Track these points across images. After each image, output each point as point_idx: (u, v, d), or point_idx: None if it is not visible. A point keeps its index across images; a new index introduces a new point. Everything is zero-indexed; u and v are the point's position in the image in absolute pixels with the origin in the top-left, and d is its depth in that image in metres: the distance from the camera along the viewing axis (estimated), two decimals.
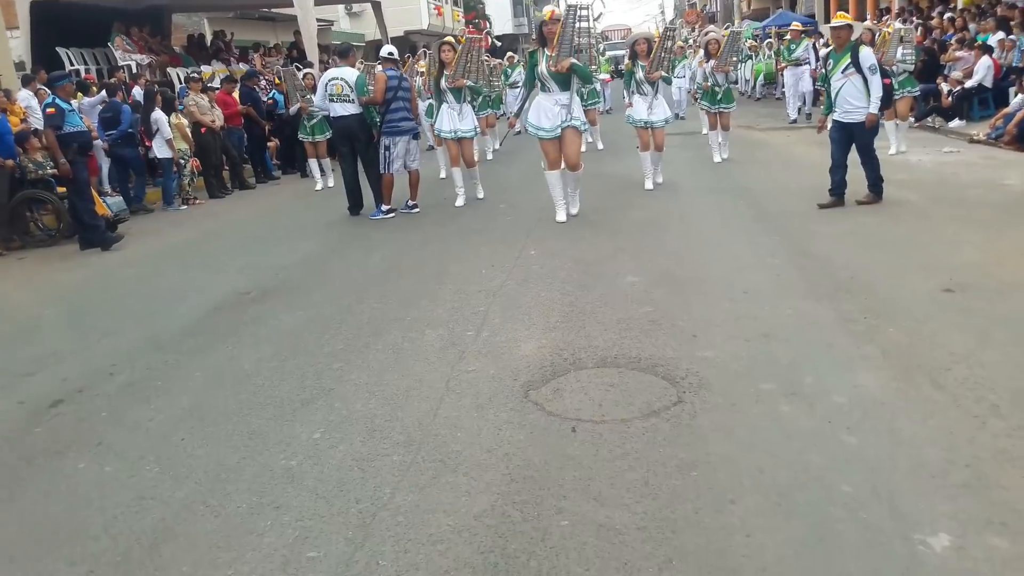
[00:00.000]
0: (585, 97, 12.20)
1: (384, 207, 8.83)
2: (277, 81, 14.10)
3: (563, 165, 7.47)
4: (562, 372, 4.07)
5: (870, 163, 7.40)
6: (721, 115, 10.97)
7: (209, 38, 19.93)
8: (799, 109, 16.04)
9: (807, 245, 6.23)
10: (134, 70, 14.82)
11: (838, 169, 7.45)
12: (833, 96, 7.42)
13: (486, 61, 14.74)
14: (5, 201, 9.14)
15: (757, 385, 3.73)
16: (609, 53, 26.00)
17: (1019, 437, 3.06)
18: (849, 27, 7.50)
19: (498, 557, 2.60)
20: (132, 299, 6.42)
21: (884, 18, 19.98)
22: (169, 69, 15.93)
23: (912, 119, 12.45)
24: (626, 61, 9.88)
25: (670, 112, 9.61)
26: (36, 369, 4.86)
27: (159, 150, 11.26)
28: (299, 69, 13.12)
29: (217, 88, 13.20)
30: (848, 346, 4.13)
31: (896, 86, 10.18)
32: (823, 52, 15.84)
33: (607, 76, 21.61)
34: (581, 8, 7.07)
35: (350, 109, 8.97)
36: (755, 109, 19.55)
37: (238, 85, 13.54)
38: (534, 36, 7.91)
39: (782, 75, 19.70)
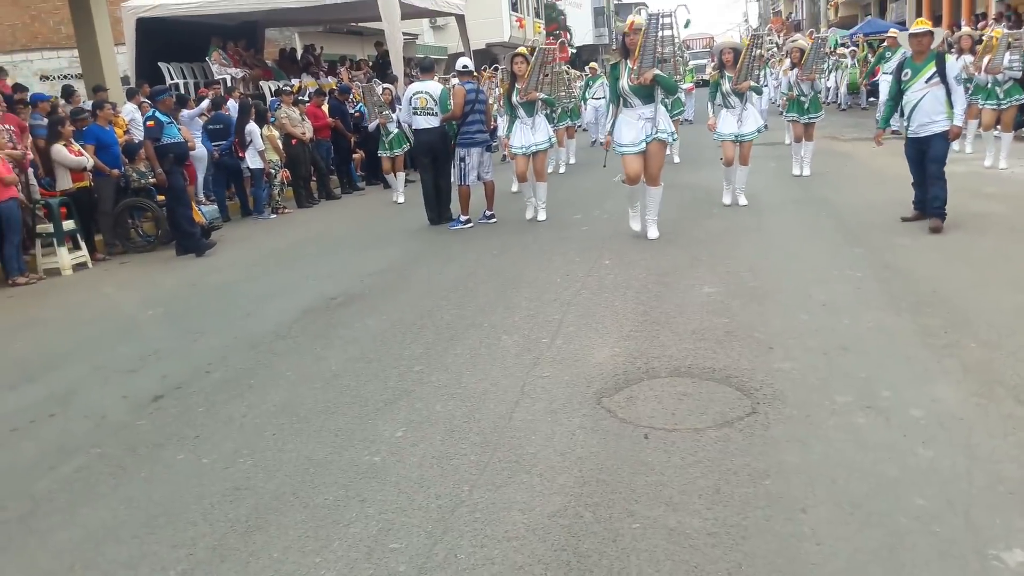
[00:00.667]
0: (669, 106, 11.94)
1: (463, 217, 9.04)
2: (358, 96, 14.40)
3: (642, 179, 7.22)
4: (635, 380, 4.14)
5: (942, 180, 6.91)
6: (807, 126, 10.63)
7: (300, 52, 20.67)
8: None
9: (889, 258, 6.14)
10: (229, 83, 15.51)
11: (919, 187, 7.21)
12: (908, 109, 6.99)
13: (565, 72, 14.86)
14: (109, 209, 9.71)
15: (833, 397, 3.73)
16: (692, 62, 25.64)
17: None
18: (931, 34, 7.05)
19: (570, 555, 2.70)
20: (226, 302, 6.76)
21: (981, 24, 19.28)
22: (261, 82, 16.60)
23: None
24: (711, 72, 9.73)
25: (761, 122, 9.21)
26: (139, 366, 5.20)
27: (252, 160, 11.77)
28: (378, 84, 13.38)
29: (307, 101, 13.68)
30: (928, 360, 4.09)
31: (1003, 95, 10.07)
32: (893, 60, 15.37)
33: (690, 85, 21.45)
34: (664, 16, 6.83)
35: (433, 123, 9.24)
36: (840, 119, 19.14)
37: (327, 98, 14.03)
38: (615, 47, 8.14)
39: (866, 85, 19.14)
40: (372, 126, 12.20)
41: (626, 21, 7.52)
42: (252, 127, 11.67)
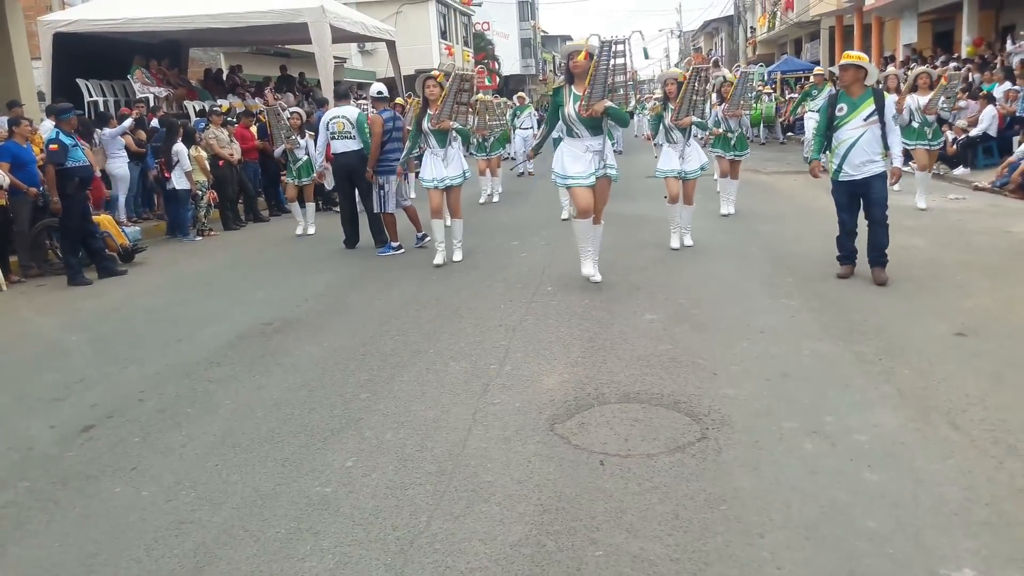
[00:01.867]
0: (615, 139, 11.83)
1: (393, 244, 9.00)
2: (262, 119, 13.58)
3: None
4: (586, 406, 4.16)
5: (884, 226, 6.34)
6: (733, 163, 10.26)
7: (225, 72, 20.29)
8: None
9: (820, 288, 6.35)
10: (152, 103, 15.09)
11: (850, 236, 6.58)
12: (843, 149, 6.31)
13: (492, 101, 14.83)
14: (26, 229, 9.28)
15: (779, 423, 3.82)
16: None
17: None
18: (862, 68, 6.37)
19: None
20: (155, 327, 6.52)
21: (895, 64, 20.21)
22: (186, 102, 16.21)
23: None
24: (652, 104, 9.08)
25: (705, 159, 8.48)
26: (65, 395, 4.95)
27: (177, 181, 11.44)
28: (283, 108, 12.35)
29: (235, 122, 13.41)
30: (865, 386, 4.23)
31: (931, 136, 10.25)
32: (820, 98, 15.67)
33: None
34: (616, 44, 6.30)
35: (351, 146, 9.29)
36: (760, 153, 19.80)
37: (255, 120, 13.79)
38: (558, 72, 7.71)
39: (787, 121, 19.69)
40: (278, 152, 11.63)
41: (569, 45, 6.93)
42: (179, 147, 11.36)
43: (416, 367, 4.94)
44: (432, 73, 8.42)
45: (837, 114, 6.41)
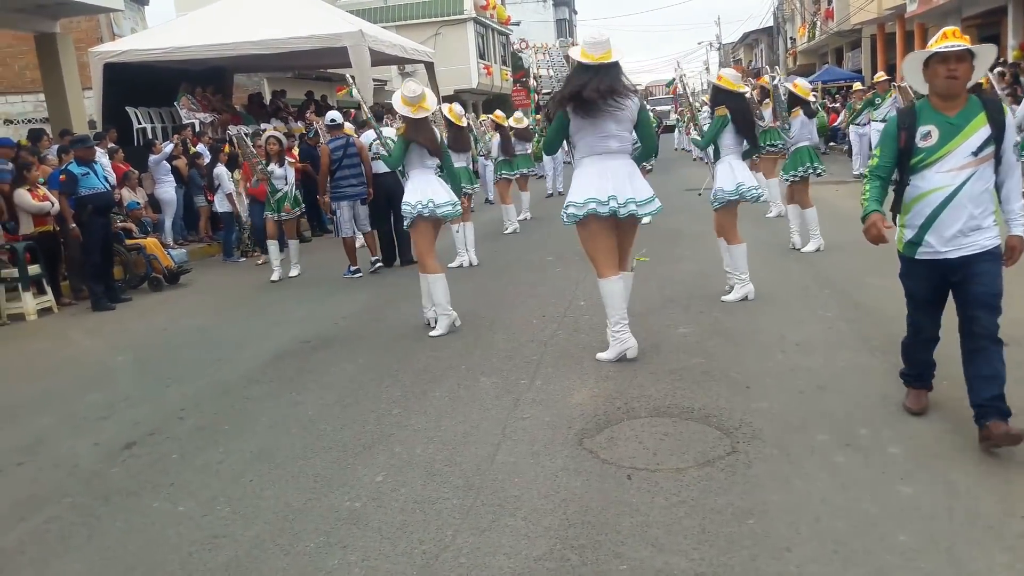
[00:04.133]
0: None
1: (352, 267, 9.21)
2: (227, 148, 12.50)
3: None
4: (616, 421, 4.15)
5: (996, 342, 3.61)
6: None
7: (268, 97, 20.74)
8: None
9: (859, 298, 6.26)
10: (197, 128, 15.50)
11: (927, 346, 4.02)
12: (930, 209, 3.64)
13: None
14: (77, 253, 9.57)
15: (811, 436, 3.77)
16: (656, 108, 25.99)
17: None
18: (970, 55, 3.58)
19: None
20: (197, 347, 6.67)
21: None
22: (230, 127, 16.60)
23: None
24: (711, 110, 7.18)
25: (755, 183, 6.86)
26: (109, 413, 5.10)
27: (220, 204, 11.74)
28: (259, 134, 10.71)
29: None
30: (902, 398, 4.15)
31: None
32: (885, 106, 14.01)
33: None
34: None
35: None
36: None
37: (297, 142, 14.06)
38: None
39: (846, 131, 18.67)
40: (255, 183, 10.25)
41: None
42: (220, 170, 11.65)
43: (448, 383, 4.98)
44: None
45: (920, 145, 3.62)
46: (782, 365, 4.81)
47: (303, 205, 10.19)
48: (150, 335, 7.37)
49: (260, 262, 10.79)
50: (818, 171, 8.51)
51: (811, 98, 9.09)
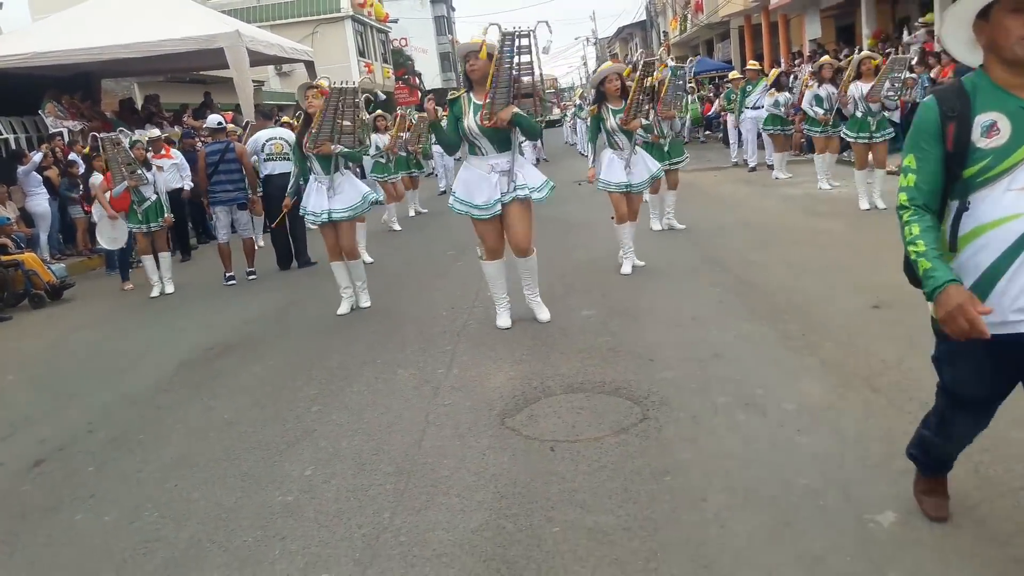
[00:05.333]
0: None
1: (227, 274, 9.16)
2: (84, 151, 11.64)
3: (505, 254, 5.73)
4: (534, 400, 4.34)
5: None
6: (669, 173, 8.75)
7: (140, 102, 19.94)
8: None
9: (745, 274, 6.68)
10: (67, 137, 14.79)
11: (960, 443, 2.72)
12: (999, 251, 2.29)
13: (424, 116, 14.15)
14: None
15: (714, 399, 4.07)
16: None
17: None
18: None
19: (499, 564, 2.83)
20: (95, 360, 6.46)
21: (837, 52, 20.21)
22: (101, 134, 15.89)
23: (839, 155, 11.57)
24: (590, 106, 7.49)
25: (656, 167, 7.27)
26: (10, 432, 4.91)
27: (98, 215, 11.26)
28: (125, 135, 9.63)
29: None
30: (791, 360, 4.52)
31: (875, 127, 9.04)
32: (758, 89, 14.63)
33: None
34: (521, 35, 5.16)
35: (289, 167, 9.15)
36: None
37: (175, 147, 13.62)
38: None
39: (723, 120, 19.21)
40: (118, 191, 8.99)
41: (465, 44, 5.61)
42: (96, 179, 11.19)
43: (364, 377, 5.05)
44: (317, 82, 7.12)
45: (980, 145, 2.28)
46: (680, 338, 5.12)
47: (167, 214, 9.21)
48: (40, 353, 7.07)
49: (127, 287, 9.73)
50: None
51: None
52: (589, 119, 7.31)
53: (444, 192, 16.75)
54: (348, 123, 6.57)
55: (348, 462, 3.83)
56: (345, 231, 6.71)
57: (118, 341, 7.06)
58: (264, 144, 9.48)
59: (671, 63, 10.39)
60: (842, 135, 10.00)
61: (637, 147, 7.10)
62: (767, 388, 4.14)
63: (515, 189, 5.47)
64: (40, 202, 11.98)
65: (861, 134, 9.11)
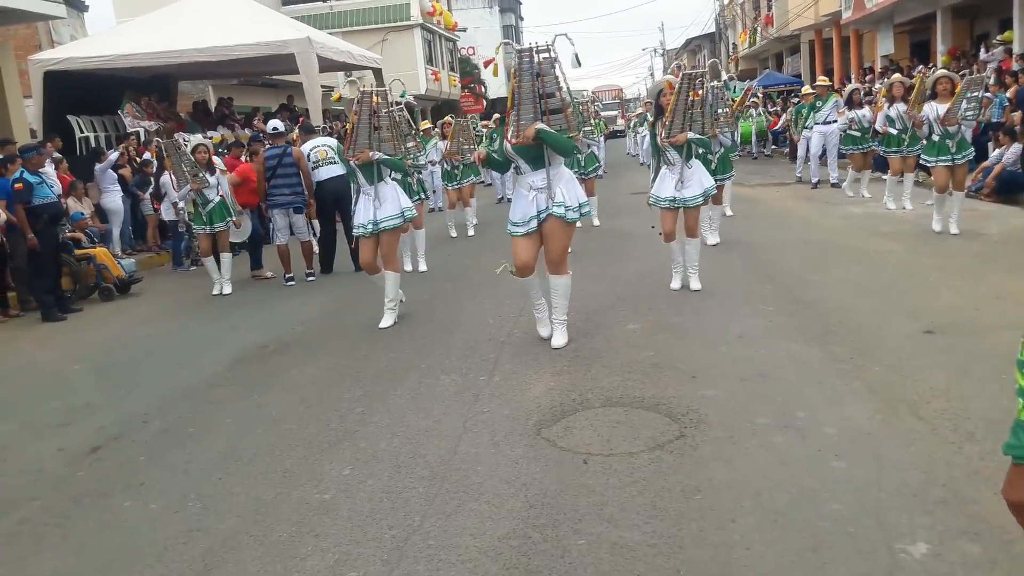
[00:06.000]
0: (582, 163, 10.69)
1: (287, 275, 9.36)
2: (153, 154, 12.14)
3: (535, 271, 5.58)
4: (571, 412, 4.37)
5: None
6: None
7: (213, 104, 20.59)
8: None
9: (798, 292, 6.58)
10: (143, 136, 15.36)
11: None
12: None
13: (465, 122, 12.69)
14: (23, 264, 9.46)
15: (753, 419, 4.03)
16: (604, 113, 26.18)
17: (991, 459, 3.35)
18: None
19: (523, 572, 2.87)
20: (155, 354, 6.71)
21: (910, 70, 19.85)
22: (176, 135, 16.47)
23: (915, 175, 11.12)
24: (648, 119, 7.10)
25: (710, 183, 7.01)
26: (71, 420, 5.14)
27: (167, 213, 11.67)
28: (185, 140, 9.91)
29: (226, 152, 13.65)
30: (837, 383, 4.45)
31: (955, 149, 8.54)
32: (828, 105, 13.87)
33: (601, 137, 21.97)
34: (539, 51, 5.09)
35: (335, 171, 9.44)
36: (746, 166, 20.12)
37: (244, 149, 14.04)
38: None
39: (790, 136, 18.68)
40: (182, 194, 9.47)
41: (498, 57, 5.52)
42: (166, 179, 11.59)
43: (409, 381, 5.14)
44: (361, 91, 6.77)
45: None
46: (725, 356, 5.09)
47: (234, 216, 9.61)
48: (105, 343, 7.37)
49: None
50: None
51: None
52: (648, 134, 7.14)
53: (501, 200, 16.76)
54: (385, 130, 6.56)
55: (385, 464, 3.91)
56: (387, 240, 6.65)
57: (179, 336, 7.32)
58: (309, 153, 9.70)
59: (724, 78, 10.17)
60: (921, 160, 9.58)
61: (694, 161, 6.85)
62: (809, 410, 4.09)
63: (552, 206, 5.37)
64: (114, 199, 12.46)
65: (942, 157, 8.59)
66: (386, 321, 6.67)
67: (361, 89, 6.54)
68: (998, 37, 18.37)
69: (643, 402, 4.41)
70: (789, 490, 3.28)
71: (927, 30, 21.75)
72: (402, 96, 9.47)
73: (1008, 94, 13.61)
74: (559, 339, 5.57)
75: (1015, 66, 14.71)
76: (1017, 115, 12.53)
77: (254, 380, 5.57)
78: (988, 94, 8.86)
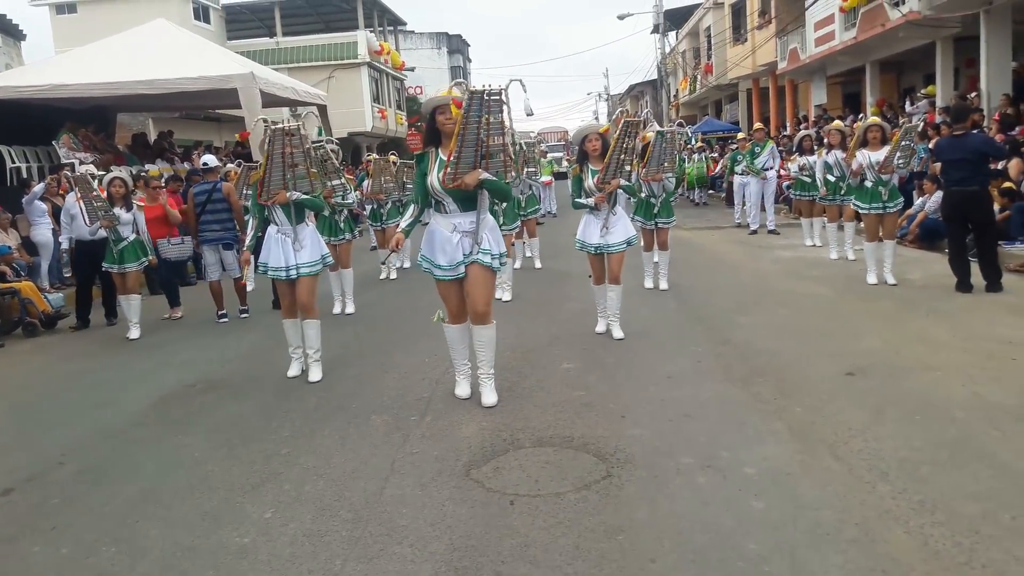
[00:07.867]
0: (522, 204, 10.64)
1: (219, 312, 9.25)
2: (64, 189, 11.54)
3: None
4: (502, 452, 4.36)
5: None
6: (658, 231, 9.07)
7: (153, 137, 20.30)
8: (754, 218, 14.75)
9: (728, 334, 6.72)
10: (77, 168, 15.02)
11: None
12: None
13: (388, 161, 12.32)
14: None
15: (678, 459, 4.08)
16: (550, 155, 26.46)
17: (902, 499, 3.46)
18: None
19: None
20: (76, 392, 6.51)
21: (849, 118, 20.38)
22: (113, 167, 16.15)
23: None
24: (573, 165, 7.25)
25: (632, 232, 6.89)
26: None
27: (66, 237, 11.32)
28: (92, 176, 8.86)
29: (163, 187, 13.42)
30: (759, 424, 4.54)
31: (887, 197, 8.67)
32: (765, 151, 14.19)
33: (548, 178, 22.20)
34: (491, 95, 4.74)
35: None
36: (686, 210, 20.54)
37: (183, 183, 13.84)
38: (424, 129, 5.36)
39: (728, 182, 18.96)
40: (93, 230, 8.75)
41: (433, 99, 5.25)
42: (71, 200, 11.30)
43: (337, 422, 5.08)
44: (286, 126, 6.12)
45: None
46: (654, 396, 5.16)
47: (150, 256, 9.02)
48: (24, 381, 7.13)
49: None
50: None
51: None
52: (571, 178, 7.13)
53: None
54: (301, 167, 6.14)
55: (308, 506, 3.84)
56: (306, 286, 6.17)
57: (103, 373, 7.11)
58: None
59: (669, 126, 10.26)
60: (852, 205, 9.67)
61: (618, 209, 6.79)
62: (732, 450, 4.16)
63: (477, 252, 5.07)
64: (43, 232, 12.12)
65: (874, 204, 8.65)
66: (296, 370, 6.34)
67: (271, 127, 6.07)
68: (922, 91, 19.25)
69: (572, 442, 4.43)
70: (708, 530, 3.32)
71: (858, 82, 22.69)
72: (319, 134, 9.31)
73: (930, 144, 14.21)
74: (489, 397, 5.18)
75: (938, 118, 15.40)
76: (938, 165, 13.08)
77: (178, 420, 5.44)
78: (914, 144, 9.21)
